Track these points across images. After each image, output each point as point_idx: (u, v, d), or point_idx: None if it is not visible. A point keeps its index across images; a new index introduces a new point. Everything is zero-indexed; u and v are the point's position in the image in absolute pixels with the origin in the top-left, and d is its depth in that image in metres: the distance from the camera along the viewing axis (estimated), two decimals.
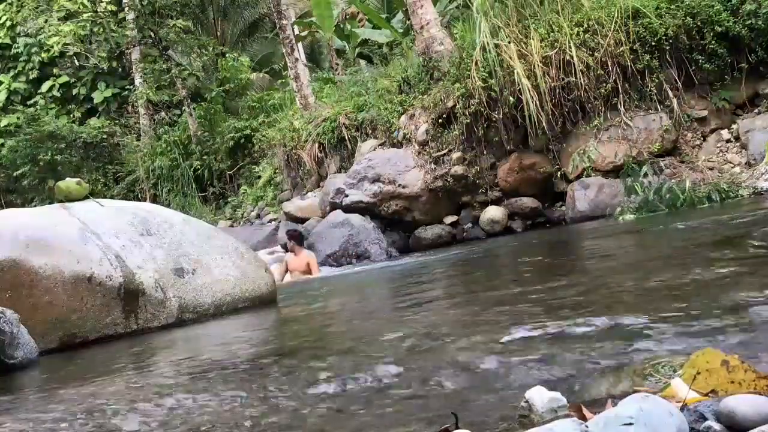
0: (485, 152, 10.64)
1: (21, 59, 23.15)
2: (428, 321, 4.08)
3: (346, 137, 12.60)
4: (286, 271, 10.02)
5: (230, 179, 18.83)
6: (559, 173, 10.22)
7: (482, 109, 10.19)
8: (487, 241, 10.19)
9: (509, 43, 10.04)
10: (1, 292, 5.26)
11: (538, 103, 9.69)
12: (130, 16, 19.76)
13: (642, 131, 9.57)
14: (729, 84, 9.62)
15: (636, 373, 2.05)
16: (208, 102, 19.53)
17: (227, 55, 20.18)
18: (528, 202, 10.60)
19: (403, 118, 11.68)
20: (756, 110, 9.56)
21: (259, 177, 16.91)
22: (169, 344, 5.10)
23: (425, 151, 11.08)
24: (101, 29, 20.70)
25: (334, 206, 11.41)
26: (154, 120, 21.58)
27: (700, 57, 9.46)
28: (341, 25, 19.12)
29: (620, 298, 3.64)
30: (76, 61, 23.17)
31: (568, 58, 9.73)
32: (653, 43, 9.53)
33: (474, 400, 2.22)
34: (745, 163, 9.15)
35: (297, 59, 15.85)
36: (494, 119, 10.24)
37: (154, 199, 18.70)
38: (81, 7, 20.27)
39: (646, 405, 1.51)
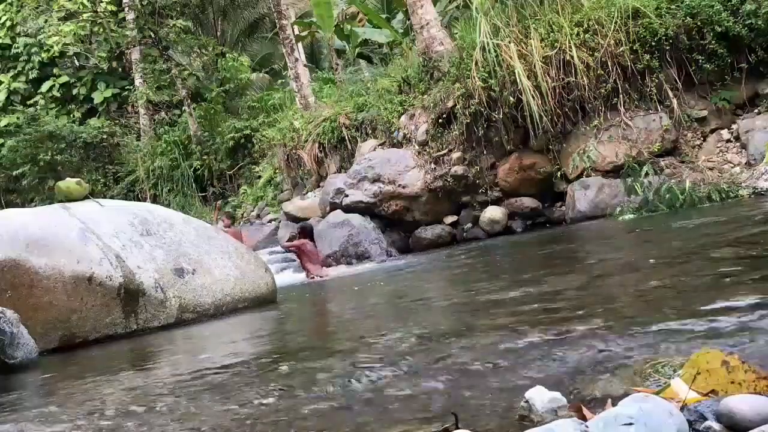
0: (485, 152, 10.63)
1: (21, 59, 23.17)
2: (428, 321, 4.08)
3: (346, 137, 12.60)
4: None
5: (230, 179, 18.84)
6: (559, 173, 10.21)
7: (482, 109, 10.18)
8: (487, 241, 10.19)
9: (509, 43, 10.03)
10: (1, 292, 5.26)
11: (539, 103, 9.69)
12: (130, 16, 19.77)
13: (642, 131, 9.56)
14: (729, 84, 9.61)
15: (636, 373, 2.05)
16: (208, 102, 19.54)
17: (227, 55, 20.19)
18: (528, 202, 10.60)
19: (403, 118, 11.67)
20: (756, 110, 9.55)
21: (259, 177, 16.92)
22: (169, 344, 5.10)
23: (425, 151, 11.08)
24: (101, 29, 20.71)
25: (334, 206, 11.40)
26: (154, 120, 21.59)
27: (700, 57, 9.45)
28: (341, 25, 19.11)
29: (620, 298, 3.64)
30: (76, 61, 23.19)
31: (568, 58, 9.72)
32: (653, 43, 9.52)
33: (474, 400, 2.22)
34: (745, 163, 9.14)
35: (297, 59, 15.85)
36: (494, 119, 10.24)
37: (154, 199, 18.71)
38: (81, 7, 20.26)
39: (646, 405, 1.50)
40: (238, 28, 23.78)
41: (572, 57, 9.66)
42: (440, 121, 10.93)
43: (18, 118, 21.44)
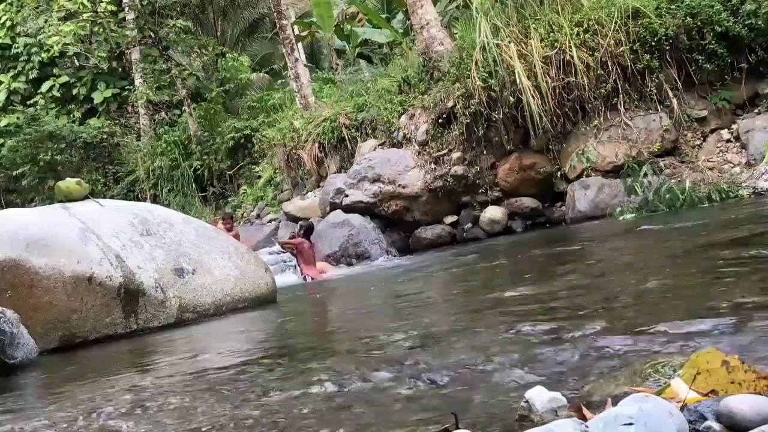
0: (485, 152, 10.64)
1: (21, 59, 23.16)
2: (427, 321, 4.08)
3: (346, 137, 12.60)
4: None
5: (230, 179, 18.83)
6: (559, 173, 10.21)
7: (482, 109, 10.18)
8: (487, 242, 10.19)
9: (509, 43, 10.03)
10: (1, 292, 5.27)
11: (539, 103, 9.69)
12: (130, 16, 19.76)
13: (642, 131, 9.56)
14: (729, 84, 9.61)
15: (636, 373, 2.05)
16: (208, 102, 19.53)
17: (227, 55, 20.18)
18: (528, 202, 10.60)
19: (403, 118, 11.67)
20: (756, 110, 9.55)
21: (259, 177, 16.91)
22: (168, 344, 5.10)
23: (425, 151, 11.08)
24: (101, 29, 20.70)
25: (334, 206, 11.40)
26: (154, 120, 21.58)
27: (700, 57, 9.45)
28: (341, 25, 19.11)
29: (620, 298, 3.64)
30: (76, 61, 23.17)
31: (568, 58, 9.73)
32: (653, 43, 9.53)
33: (474, 400, 2.22)
34: (745, 163, 9.14)
35: (297, 59, 15.85)
36: (494, 119, 10.24)
37: (154, 199, 18.69)
38: (81, 7, 20.25)
39: (646, 405, 1.50)
40: (238, 28, 23.76)
41: (572, 57, 9.67)
42: (440, 121, 10.93)
43: (18, 118, 21.43)
